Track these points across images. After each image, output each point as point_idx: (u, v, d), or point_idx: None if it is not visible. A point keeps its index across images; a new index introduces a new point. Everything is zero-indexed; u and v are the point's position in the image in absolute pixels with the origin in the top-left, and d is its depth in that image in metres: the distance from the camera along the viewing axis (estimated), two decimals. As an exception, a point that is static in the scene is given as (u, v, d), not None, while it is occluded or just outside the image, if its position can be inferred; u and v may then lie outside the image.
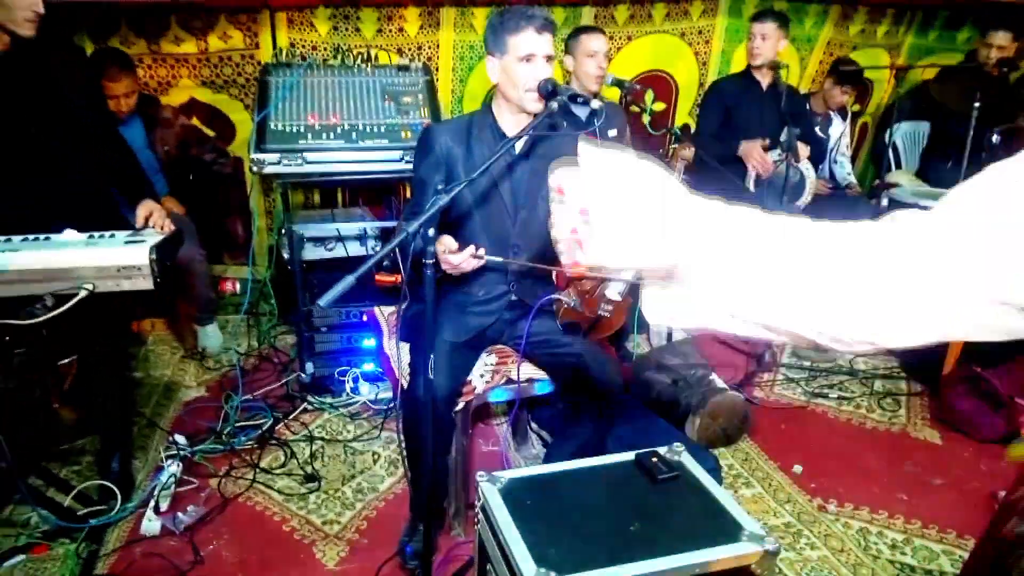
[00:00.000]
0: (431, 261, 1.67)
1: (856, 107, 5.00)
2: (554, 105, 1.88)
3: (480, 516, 1.76)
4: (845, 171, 4.53)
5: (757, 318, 0.82)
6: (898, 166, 4.81)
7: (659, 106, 4.53)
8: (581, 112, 3.04)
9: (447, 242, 1.96)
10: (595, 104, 1.95)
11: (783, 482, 2.66)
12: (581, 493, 1.77)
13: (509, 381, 2.29)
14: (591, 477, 1.84)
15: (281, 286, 3.69)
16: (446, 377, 2.09)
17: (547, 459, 2.44)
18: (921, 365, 3.35)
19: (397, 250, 1.72)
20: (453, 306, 2.27)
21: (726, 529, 1.65)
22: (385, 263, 3.17)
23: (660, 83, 4.48)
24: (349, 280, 1.44)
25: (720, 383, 3.00)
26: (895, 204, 4.07)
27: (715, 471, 2.46)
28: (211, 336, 3.59)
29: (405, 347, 2.32)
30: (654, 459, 1.86)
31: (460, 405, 2.21)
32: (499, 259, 2.11)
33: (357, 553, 2.29)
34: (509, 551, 1.57)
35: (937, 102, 4.46)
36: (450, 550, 2.29)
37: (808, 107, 4.39)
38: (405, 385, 2.19)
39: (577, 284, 2.18)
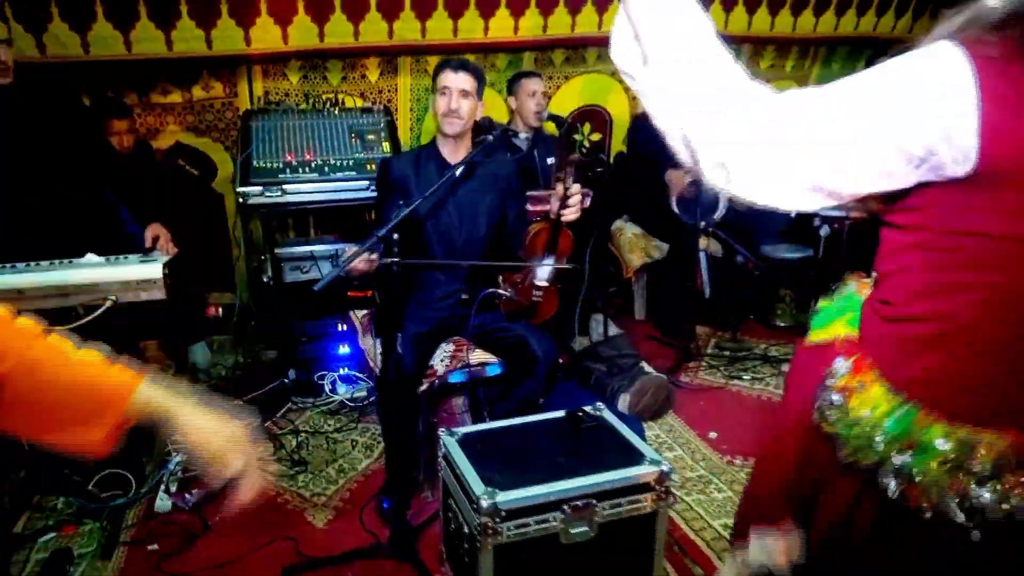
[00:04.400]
0: (395, 260, 2.15)
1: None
2: (490, 137, 2.40)
3: (442, 463, 2.22)
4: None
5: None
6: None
7: (596, 136, 5.09)
8: (522, 144, 3.59)
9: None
10: (524, 135, 2.46)
11: (700, 446, 3.15)
12: (521, 440, 2.24)
13: (465, 365, 2.76)
14: (530, 428, 2.32)
15: (262, 306, 4.13)
16: (412, 360, 2.55)
17: (492, 415, 2.90)
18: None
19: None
20: (416, 303, 2.74)
21: (633, 458, 2.14)
22: (355, 283, 3.65)
23: (596, 116, 5.05)
24: (335, 271, 1.92)
25: (648, 368, 3.51)
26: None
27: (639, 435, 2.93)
28: (199, 353, 3.99)
29: (377, 341, 2.78)
30: (580, 414, 2.35)
31: (425, 386, 2.67)
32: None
33: (342, 515, 2.71)
34: (464, 480, 2.03)
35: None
36: (420, 506, 2.73)
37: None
38: (378, 371, 2.66)
39: (510, 278, 2.68)
